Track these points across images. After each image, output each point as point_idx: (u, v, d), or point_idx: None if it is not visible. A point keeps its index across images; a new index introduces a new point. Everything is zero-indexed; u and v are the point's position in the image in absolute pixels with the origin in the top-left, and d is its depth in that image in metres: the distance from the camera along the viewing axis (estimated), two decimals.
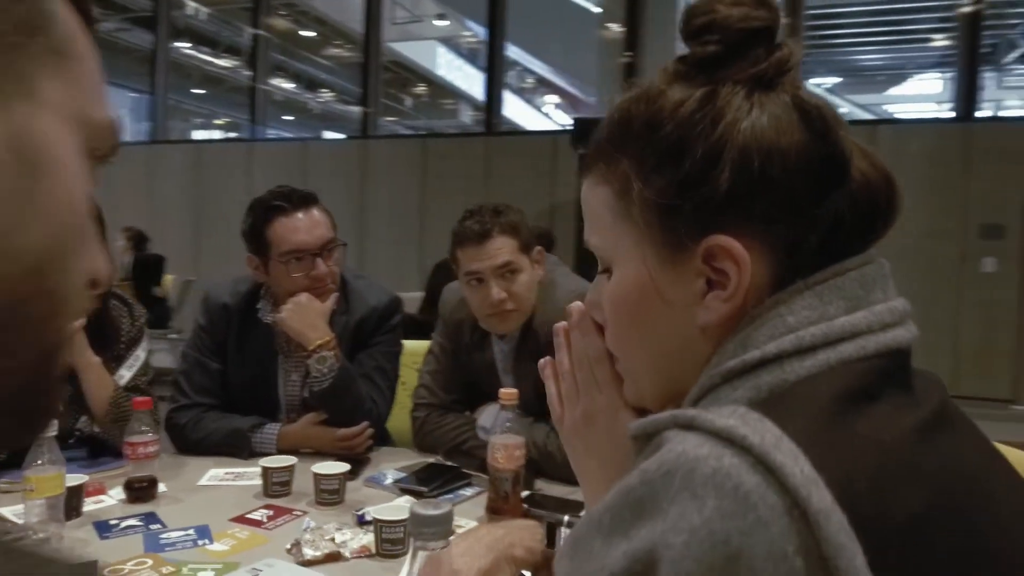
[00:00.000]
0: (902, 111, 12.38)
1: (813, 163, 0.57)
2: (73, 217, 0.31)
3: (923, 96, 13.73)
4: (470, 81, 13.39)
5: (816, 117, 0.58)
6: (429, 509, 0.61)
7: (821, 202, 0.57)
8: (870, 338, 0.55)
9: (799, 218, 0.57)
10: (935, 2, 9.22)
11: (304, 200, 1.84)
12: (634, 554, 0.47)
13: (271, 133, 9.02)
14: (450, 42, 13.34)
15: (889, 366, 0.55)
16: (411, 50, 12.40)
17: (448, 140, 8.13)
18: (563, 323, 0.75)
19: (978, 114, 5.92)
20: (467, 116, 13.97)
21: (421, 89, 13.57)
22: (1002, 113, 10.13)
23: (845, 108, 10.67)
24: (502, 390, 1.40)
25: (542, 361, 0.78)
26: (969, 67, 5.80)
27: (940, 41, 9.91)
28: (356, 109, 11.03)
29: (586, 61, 8.20)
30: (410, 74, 12.98)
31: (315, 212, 1.84)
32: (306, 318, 1.78)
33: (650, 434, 0.54)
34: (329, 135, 12.49)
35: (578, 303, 0.75)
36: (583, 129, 5.46)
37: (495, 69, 6.99)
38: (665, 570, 0.44)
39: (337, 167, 7.16)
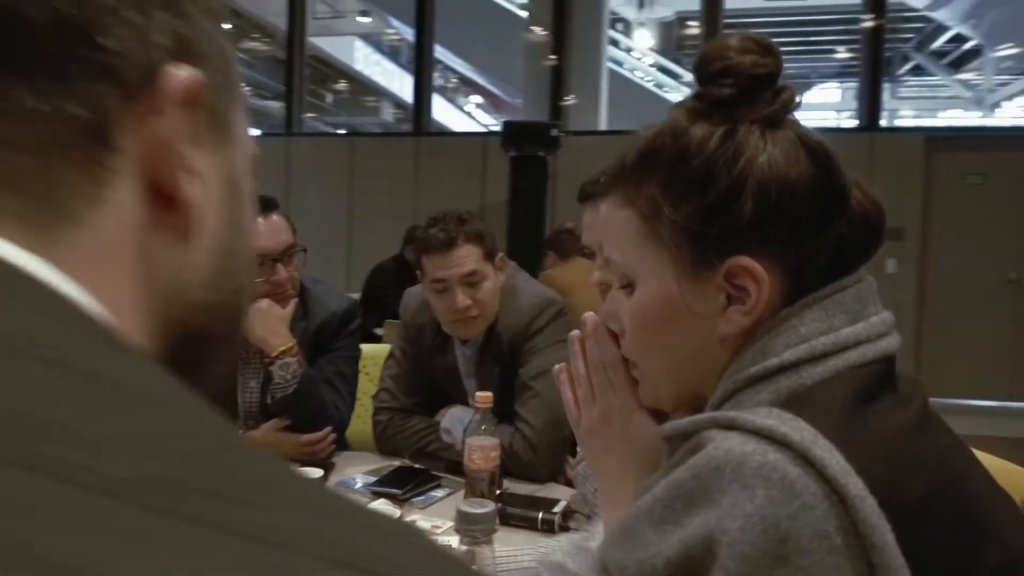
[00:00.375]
0: (805, 118, 13.01)
1: (819, 193, 0.65)
2: (253, 242, 0.36)
3: (825, 105, 14.50)
4: (389, 77, 13.27)
5: (820, 152, 0.66)
6: (476, 508, 0.66)
7: (826, 228, 0.65)
8: (869, 346, 0.63)
9: (807, 241, 0.65)
10: (837, 15, 9.76)
11: (264, 205, 1.83)
12: (690, 540, 0.54)
13: None
14: (369, 38, 13.20)
15: (883, 370, 0.63)
16: (329, 45, 12.21)
17: (376, 139, 8.07)
18: (576, 332, 0.82)
19: (881, 124, 6.33)
20: (388, 114, 13.86)
21: (342, 86, 13.38)
22: (897, 122, 10.83)
23: None
24: (478, 393, 1.45)
25: (556, 367, 0.84)
26: (872, 79, 6.18)
27: (842, 53, 10.51)
28: (274, 104, 10.76)
29: (510, 63, 8.29)
30: (329, 70, 12.77)
31: (275, 217, 1.84)
32: (268, 324, 1.78)
33: (687, 434, 0.61)
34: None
35: (591, 314, 0.81)
36: (513, 132, 5.54)
37: (423, 70, 6.99)
38: (723, 552, 0.51)
39: (260, 165, 7.00)
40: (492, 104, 13.13)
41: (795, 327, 0.64)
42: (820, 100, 14.53)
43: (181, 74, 0.29)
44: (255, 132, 11.79)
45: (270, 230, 1.81)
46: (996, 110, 11.64)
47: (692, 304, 0.66)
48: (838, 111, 14.16)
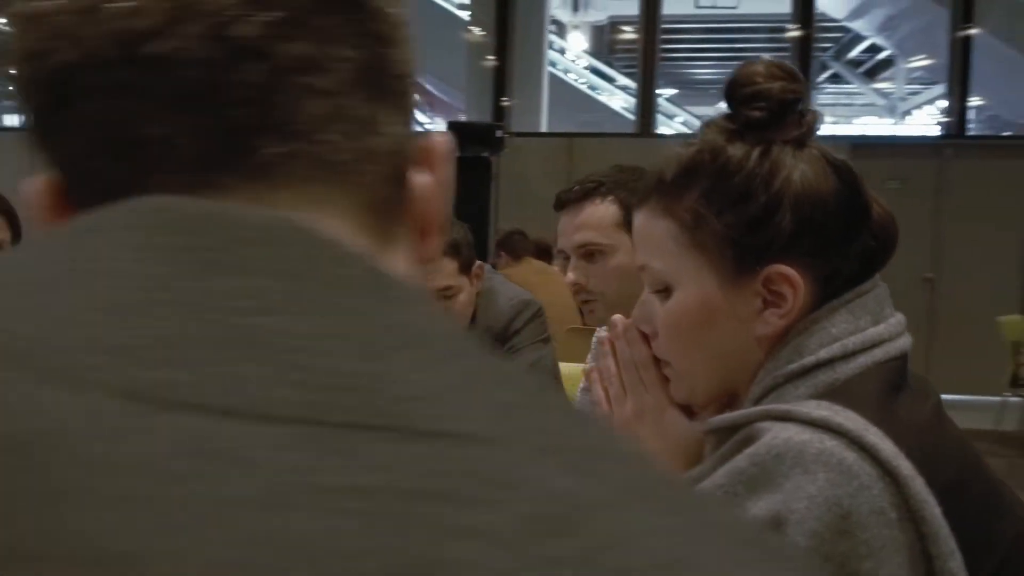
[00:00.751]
0: None
1: (844, 207, 0.72)
2: None
3: None
4: None
5: (845, 169, 0.73)
6: None
7: (853, 239, 0.72)
8: (890, 345, 0.70)
9: (836, 251, 0.72)
10: (765, 23, 10.14)
11: None
12: (756, 520, 0.59)
13: None
14: None
15: (901, 366, 0.71)
16: None
17: None
18: (605, 334, 0.87)
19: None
20: None
21: None
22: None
23: (682, 118, 11.52)
24: None
25: (588, 368, 0.89)
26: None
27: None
28: None
29: (448, 62, 8.32)
30: None
31: None
32: None
33: (737, 426, 0.67)
34: None
35: (619, 316, 0.86)
36: (458, 133, 5.55)
37: None
38: (792, 530, 0.57)
39: None
40: (427, 103, 13.10)
41: (826, 328, 0.70)
42: None
43: (445, 139, 0.34)
44: None
45: None
46: (907, 118, 12.33)
47: (734, 308, 0.72)
48: None
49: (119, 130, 0.27)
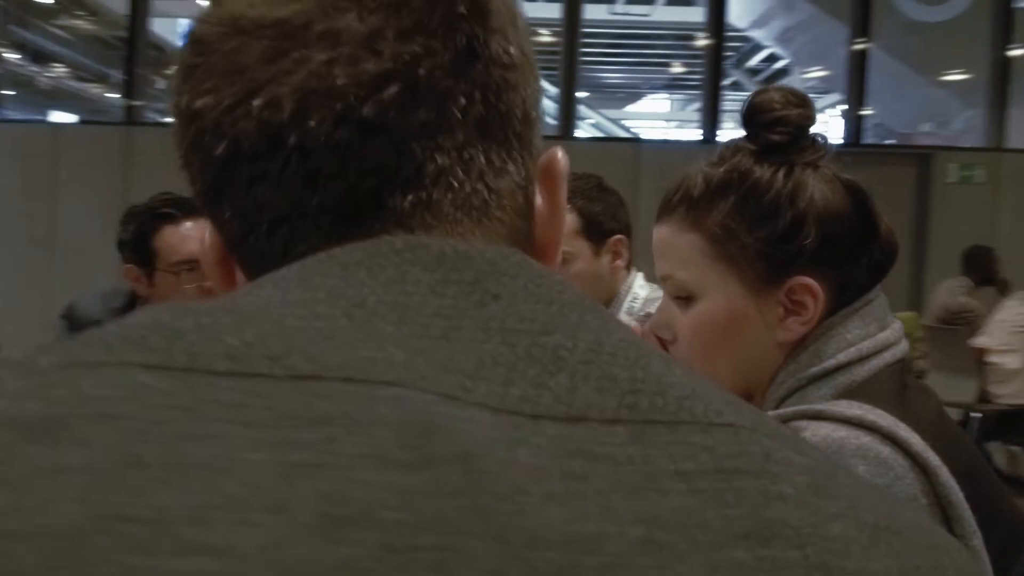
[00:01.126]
0: (637, 126, 13.95)
1: (857, 223, 0.79)
2: None
3: (653, 114, 15.50)
4: None
5: (856, 189, 0.80)
6: None
7: (864, 252, 0.79)
8: (896, 348, 0.78)
9: (850, 263, 0.79)
10: (676, 31, 10.48)
11: (193, 208, 1.77)
12: None
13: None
14: None
15: (903, 368, 0.79)
16: (159, 27, 11.39)
17: None
18: None
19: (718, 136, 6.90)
20: None
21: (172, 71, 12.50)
22: (719, 133, 11.79)
23: (594, 120, 11.77)
24: None
25: None
26: (713, 95, 6.74)
27: (677, 68, 11.29)
28: (93, 88, 9.88)
29: None
30: (159, 52, 11.91)
31: (202, 221, 1.78)
32: None
33: None
34: (59, 116, 11.05)
35: (637, 324, 0.91)
36: None
37: None
38: None
39: (97, 157, 6.44)
40: None
41: (841, 334, 0.77)
42: (651, 110, 15.52)
43: (561, 157, 0.35)
44: (73, 118, 10.75)
45: (201, 234, 1.75)
46: None
47: (759, 316, 0.78)
48: (666, 120, 15.19)
49: (261, 212, 0.30)
